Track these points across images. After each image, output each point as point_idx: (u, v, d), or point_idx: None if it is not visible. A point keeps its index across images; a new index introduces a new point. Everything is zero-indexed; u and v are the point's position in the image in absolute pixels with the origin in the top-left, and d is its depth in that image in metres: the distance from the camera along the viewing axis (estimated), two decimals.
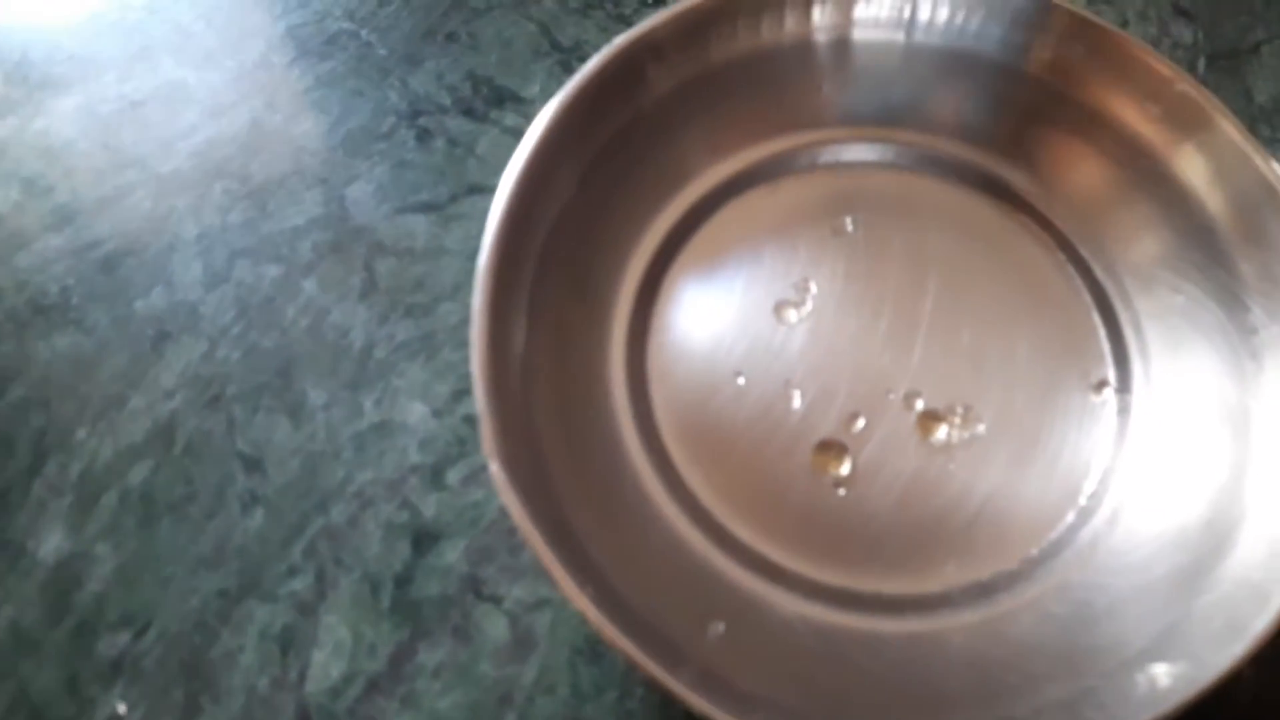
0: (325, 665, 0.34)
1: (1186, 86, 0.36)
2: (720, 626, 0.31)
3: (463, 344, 0.40)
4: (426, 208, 0.44)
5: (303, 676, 0.34)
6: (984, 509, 0.35)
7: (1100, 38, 0.38)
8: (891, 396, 0.37)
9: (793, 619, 0.33)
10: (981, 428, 0.36)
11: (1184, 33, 0.48)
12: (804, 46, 0.41)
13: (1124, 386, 0.37)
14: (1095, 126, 0.39)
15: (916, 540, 0.34)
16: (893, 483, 0.35)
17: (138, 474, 0.38)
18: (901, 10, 0.40)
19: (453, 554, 0.36)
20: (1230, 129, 0.35)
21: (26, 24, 0.50)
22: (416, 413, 0.39)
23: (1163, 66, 0.37)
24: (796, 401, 0.36)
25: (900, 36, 0.41)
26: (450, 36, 0.49)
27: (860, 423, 0.36)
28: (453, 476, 0.38)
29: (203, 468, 0.38)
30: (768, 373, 0.37)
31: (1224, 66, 0.47)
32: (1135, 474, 0.35)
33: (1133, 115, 0.38)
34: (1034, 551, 0.34)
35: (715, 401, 0.37)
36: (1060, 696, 0.29)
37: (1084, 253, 0.39)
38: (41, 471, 0.38)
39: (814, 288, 0.39)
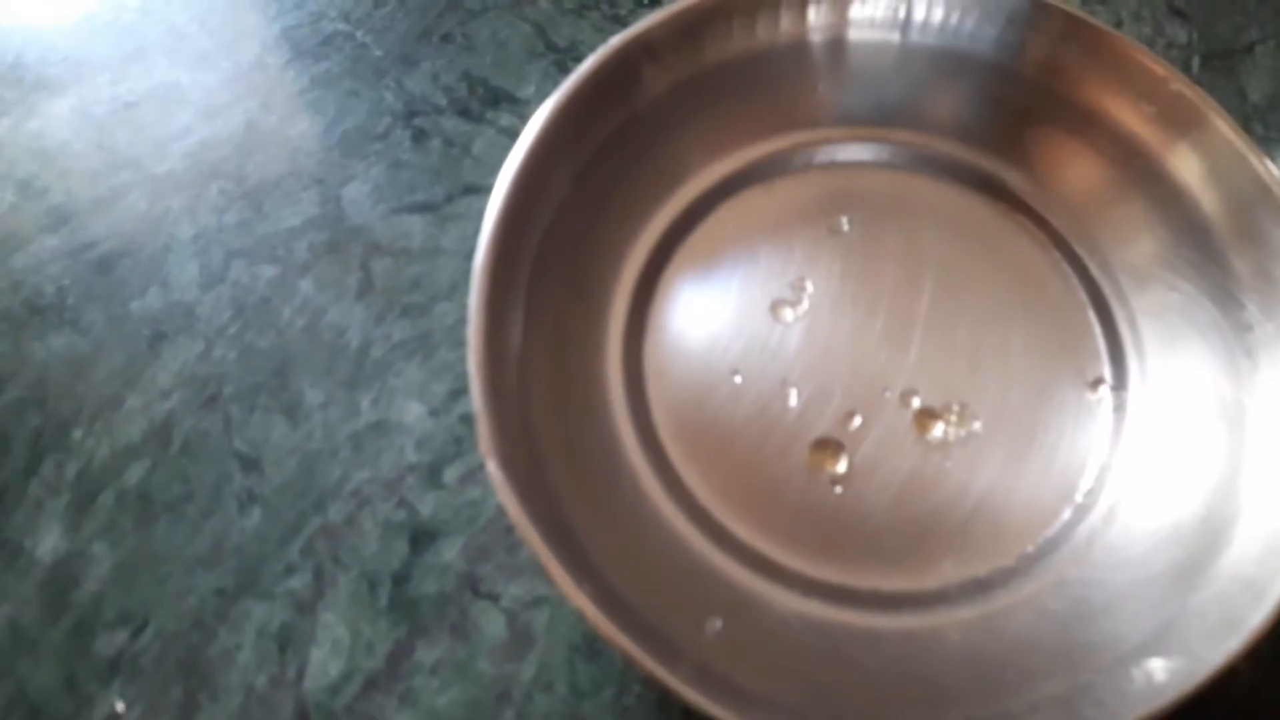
0: (323, 663, 0.34)
1: (1181, 86, 0.37)
2: (718, 623, 0.31)
3: (459, 343, 0.40)
4: (423, 208, 0.44)
5: (301, 674, 0.34)
6: (980, 506, 0.35)
7: (1095, 37, 0.38)
8: (888, 394, 0.37)
9: (790, 616, 0.33)
10: (978, 425, 0.36)
11: (1178, 32, 0.49)
12: (799, 47, 0.41)
13: (1120, 384, 0.37)
14: (1090, 126, 0.39)
15: (913, 537, 0.34)
16: (889, 480, 0.35)
17: (135, 473, 0.38)
18: (897, 10, 0.40)
19: (450, 552, 0.36)
20: (1224, 128, 0.36)
21: (21, 25, 0.50)
22: (413, 412, 0.39)
23: (1157, 66, 0.37)
24: (793, 400, 0.37)
25: (895, 37, 0.41)
26: (445, 37, 0.49)
27: (857, 421, 0.36)
28: (450, 475, 0.38)
29: (200, 467, 0.38)
30: (764, 371, 0.37)
31: (1218, 66, 0.48)
32: (1131, 471, 0.35)
33: (1127, 114, 0.38)
34: (1030, 548, 0.34)
35: (712, 400, 0.37)
36: (1057, 692, 0.29)
37: (1079, 251, 0.39)
38: (38, 471, 0.38)
39: (810, 287, 0.39)
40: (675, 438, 0.36)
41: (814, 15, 0.40)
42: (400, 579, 0.36)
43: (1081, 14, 0.38)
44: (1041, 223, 0.40)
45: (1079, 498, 0.35)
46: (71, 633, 0.35)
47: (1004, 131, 0.41)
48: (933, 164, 0.41)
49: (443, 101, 0.47)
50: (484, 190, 0.34)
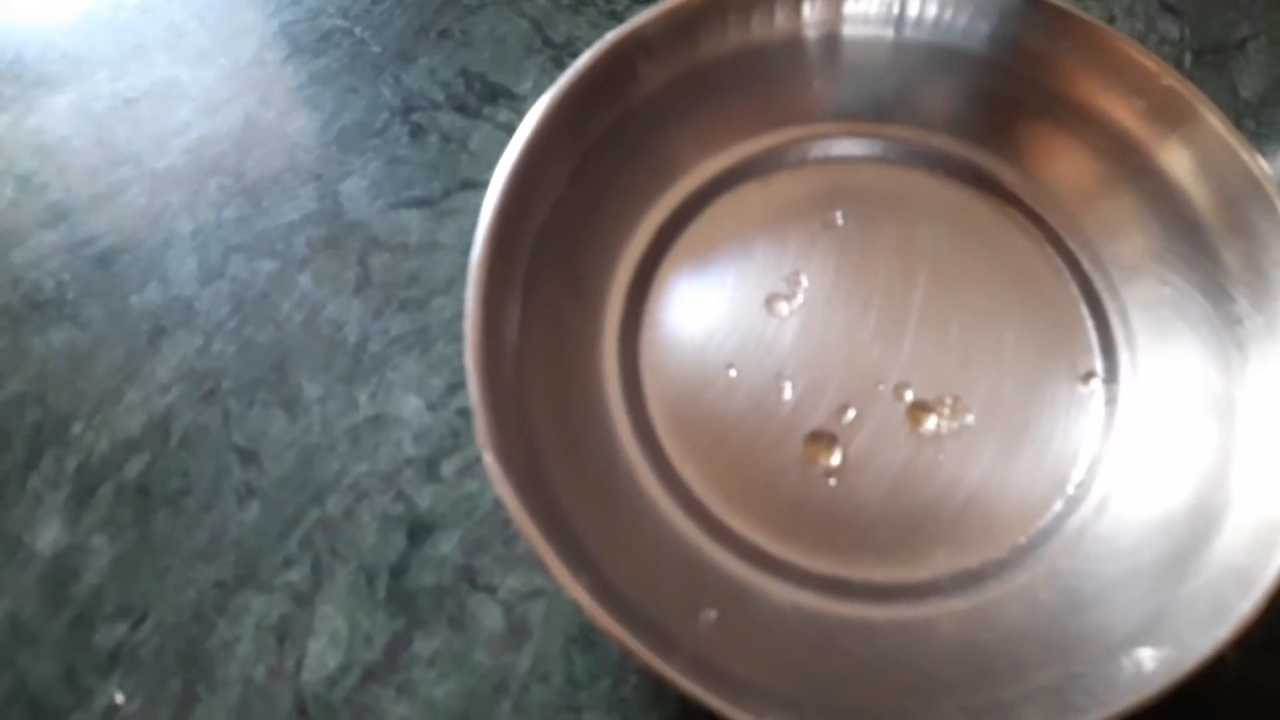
0: (321, 655, 0.35)
1: (1172, 81, 0.37)
2: (713, 614, 0.31)
3: (457, 338, 0.40)
4: (420, 203, 0.44)
5: (299, 666, 0.34)
6: (973, 498, 0.35)
7: (1087, 33, 0.38)
8: (881, 388, 0.37)
9: (784, 607, 0.33)
10: (970, 418, 0.36)
11: (1170, 28, 0.49)
12: (794, 42, 0.41)
13: (1111, 377, 0.37)
14: (1082, 121, 0.39)
15: (906, 529, 0.35)
16: (883, 473, 0.36)
17: (134, 467, 0.38)
18: (891, 6, 0.40)
19: (447, 545, 0.36)
20: (1215, 122, 0.36)
21: (20, 22, 0.50)
22: (411, 406, 0.39)
23: (1149, 61, 0.37)
24: (788, 393, 0.37)
25: (889, 32, 0.41)
26: (443, 33, 0.49)
27: (850, 414, 0.36)
28: (447, 469, 0.38)
29: (199, 461, 0.38)
30: (759, 365, 0.37)
31: (1210, 62, 0.48)
32: (1122, 463, 0.35)
33: (1119, 109, 0.38)
34: (1022, 539, 0.34)
35: (707, 394, 0.37)
36: (1048, 682, 0.30)
37: (1072, 245, 0.40)
38: (38, 465, 0.38)
39: (805, 281, 0.39)
40: (671, 431, 0.36)
41: (808, 11, 0.40)
42: (398, 571, 0.36)
43: (1074, 9, 0.38)
44: (1034, 217, 0.40)
45: (1070, 489, 0.35)
46: (71, 625, 0.35)
47: (997, 126, 0.41)
48: (926, 159, 0.42)
49: (440, 97, 0.47)
50: (481, 185, 0.34)
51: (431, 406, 0.39)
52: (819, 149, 0.42)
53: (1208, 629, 0.29)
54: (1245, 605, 0.29)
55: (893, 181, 0.42)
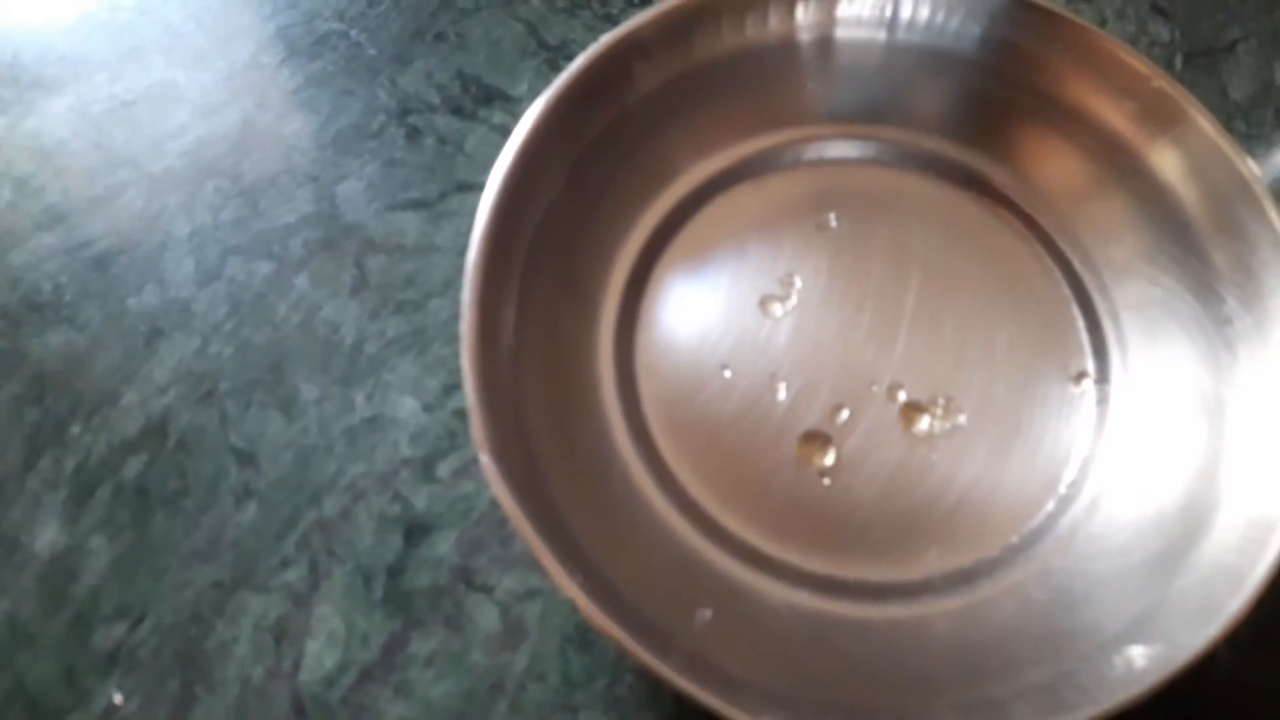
0: (319, 655, 0.35)
1: (1162, 83, 0.37)
2: (708, 614, 0.32)
3: (453, 339, 0.40)
4: (416, 205, 0.44)
5: (297, 666, 0.35)
6: (966, 497, 0.35)
7: (1077, 35, 0.38)
8: (875, 388, 0.37)
9: (779, 606, 0.33)
10: (963, 418, 0.37)
11: (1161, 31, 0.49)
12: (788, 45, 0.41)
13: (1103, 377, 0.38)
14: (1074, 122, 0.40)
15: (900, 528, 0.35)
16: (876, 472, 0.36)
17: (132, 468, 0.38)
18: (883, 9, 0.41)
19: (444, 545, 0.37)
20: (1205, 124, 0.36)
21: (18, 25, 0.50)
22: (407, 407, 0.39)
23: (1139, 63, 0.38)
24: (782, 394, 0.37)
25: (882, 35, 0.41)
26: (439, 36, 0.49)
27: (844, 414, 0.37)
28: (443, 469, 0.38)
29: (196, 462, 0.38)
30: (753, 366, 0.38)
31: (1200, 64, 0.48)
32: (1114, 463, 0.36)
33: (1110, 111, 0.39)
34: (1015, 539, 0.35)
35: (702, 394, 0.37)
36: (1040, 679, 0.30)
37: (1063, 246, 0.40)
38: (36, 466, 0.38)
39: (799, 282, 0.39)
40: (666, 431, 0.36)
41: (802, 14, 0.41)
42: (395, 572, 0.36)
43: (1064, 12, 0.39)
44: (1026, 219, 0.40)
45: (1062, 489, 0.36)
46: (70, 626, 0.35)
47: (989, 128, 0.41)
48: (919, 161, 0.42)
49: (436, 99, 0.47)
50: (477, 187, 0.35)
51: (428, 408, 0.39)
52: (813, 151, 0.42)
53: (1198, 627, 0.29)
54: (1235, 603, 0.29)
55: (886, 183, 0.42)
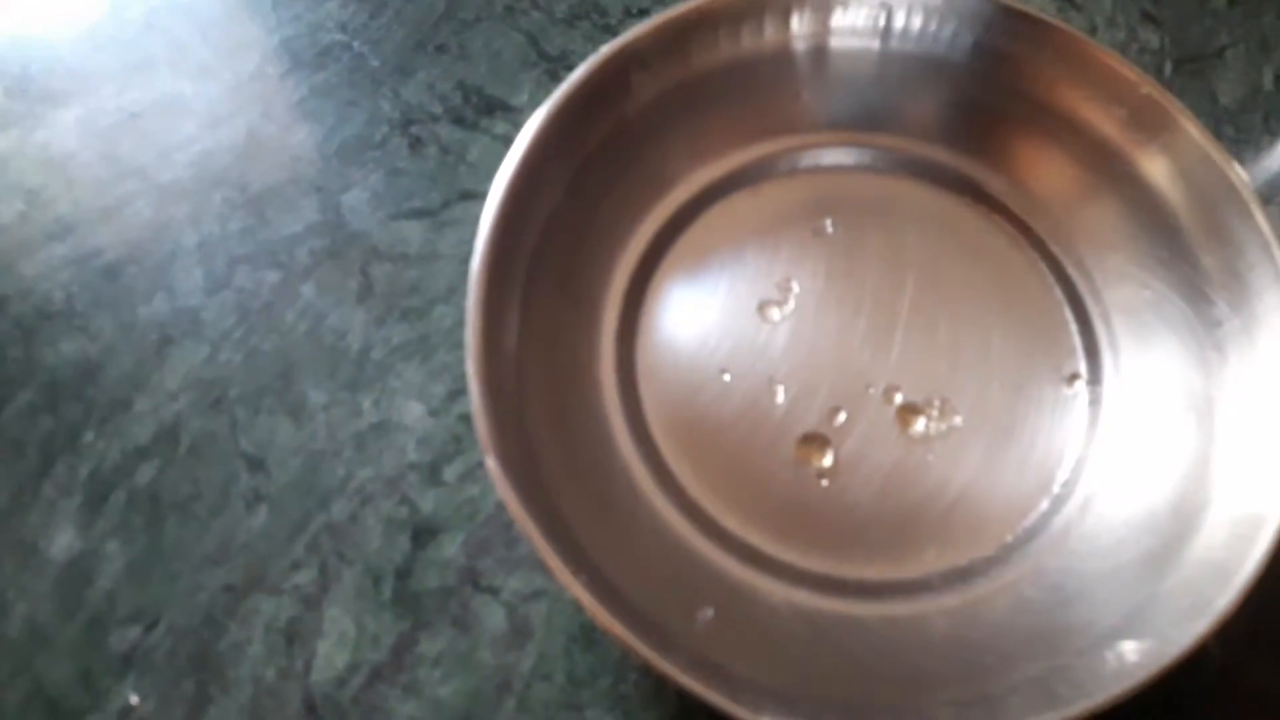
0: (330, 656, 0.35)
1: (1151, 90, 0.38)
2: (709, 612, 0.32)
3: (457, 345, 0.41)
4: (420, 214, 0.45)
5: (308, 667, 0.35)
6: (961, 498, 0.36)
7: (1068, 44, 0.39)
8: (871, 391, 0.38)
9: (779, 605, 0.34)
10: (958, 420, 0.37)
11: (1151, 38, 0.50)
12: (783, 54, 0.42)
13: (1095, 379, 0.38)
14: (1065, 129, 0.40)
15: (897, 528, 0.36)
16: (873, 473, 0.36)
17: (144, 474, 0.39)
18: (877, 18, 0.41)
19: (451, 547, 0.37)
20: (1193, 131, 0.37)
21: (27, 39, 0.50)
22: (414, 412, 0.40)
23: (1128, 71, 0.38)
24: (780, 397, 0.38)
25: (876, 44, 0.42)
26: (440, 47, 0.50)
27: (842, 416, 0.37)
28: (449, 473, 0.39)
29: (207, 468, 0.39)
30: (752, 369, 0.38)
31: (1190, 70, 0.49)
32: (1106, 463, 0.36)
33: (1100, 118, 0.39)
34: (1009, 538, 0.35)
35: (702, 398, 0.38)
36: (1035, 674, 0.31)
37: (1056, 251, 0.40)
38: (51, 473, 0.39)
39: (796, 287, 0.40)
40: (667, 434, 0.37)
41: (797, 24, 0.41)
42: (403, 574, 0.37)
43: (1054, 20, 0.39)
44: (1019, 224, 0.41)
45: (1056, 489, 0.36)
46: (86, 629, 0.36)
47: (982, 135, 0.42)
48: (913, 167, 0.43)
49: (438, 110, 0.48)
50: (479, 196, 0.35)
51: (433, 412, 0.40)
52: (809, 158, 0.43)
53: (1188, 622, 0.29)
54: (1224, 599, 0.29)
55: (880, 189, 0.42)
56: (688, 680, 0.28)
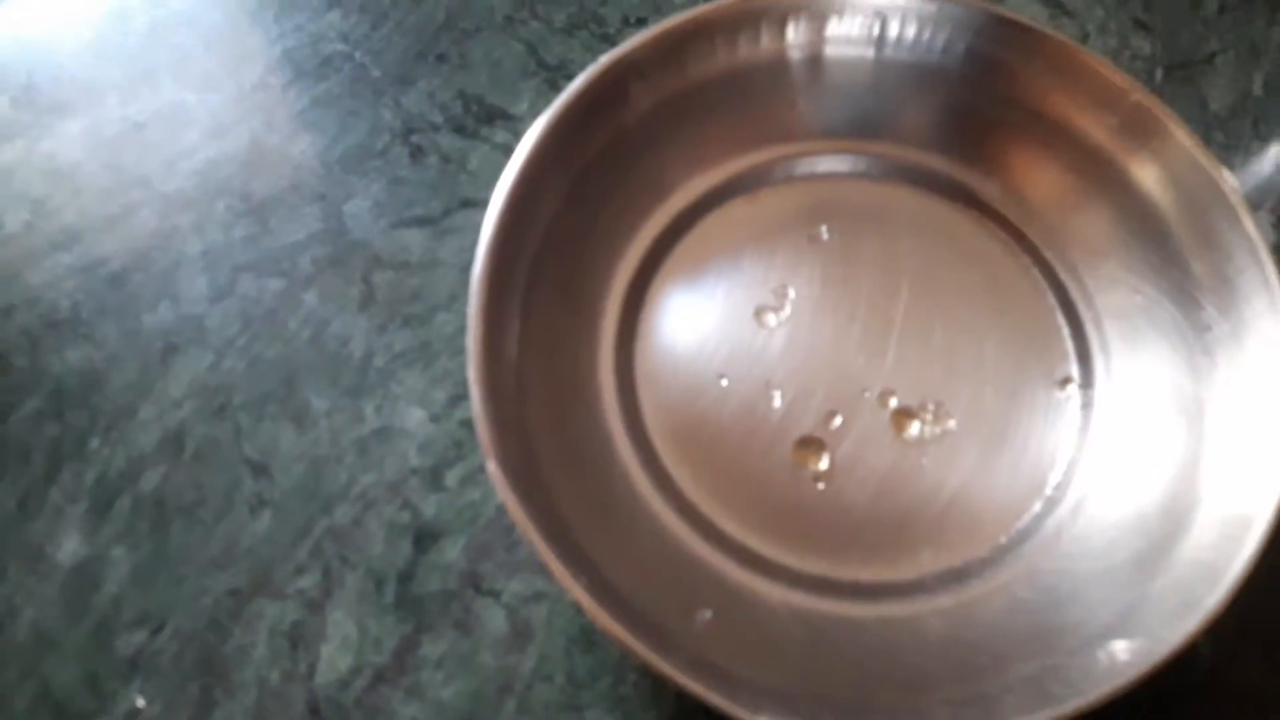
0: (333, 659, 0.36)
1: (1141, 97, 0.38)
2: (708, 614, 0.33)
3: (458, 352, 0.41)
4: (421, 222, 0.45)
5: (312, 670, 0.36)
6: (956, 500, 0.36)
7: (1059, 52, 0.39)
8: (867, 395, 0.38)
9: (776, 606, 0.34)
10: (952, 423, 0.38)
11: (1143, 44, 0.50)
12: (779, 63, 0.42)
13: (1087, 382, 0.39)
14: (1057, 136, 0.40)
15: (892, 530, 0.36)
16: (869, 476, 0.37)
17: (149, 480, 0.39)
18: (871, 27, 0.42)
19: (452, 551, 0.38)
20: (1182, 137, 0.37)
21: (32, 49, 0.51)
22: (415, 418, 0.40)
23: (1118, 78, 0.39)
24: (777, 401, 0.38)
25: (870, 52, 0.42)
26: (441, 57, 0.50)
27: (837, 420, 0.38)
28: (451, 478, 0.39)
29: (211, 473, 0.39)
30: (749, 374, 0.39)
31: (1180, 76, 0.49)
32: (1098, 465, 0.37)
33: (1091, 125, 0.40)
34: (1003, 539, 0.36)
35: (700, 402, 0.38)
36: (1028, 673, 0.31)
37: (1048, 256, 0.41)
38: (57, 479, 0.39)
39: (792, 293, 0.40)
40: (665, 438, 0.37)
41: (792, 33, 0.42)
42: (405, 577, 0.37)
43: (1046, 29, 0.40)
44: (1012, 230, 0.41)
45: (1048, 491, 0.37)
46: (92, 633, 0.36)
47: (975, 142, 0.42)
48: (907, 174, 0.43)
49: (439, 119, 0.48)
50: (480, 204, 0.35)
51: (435, 418, 0.40)
52: (804, 165, 0.43)
53: (1178, 622, 0.30)
54: (1213, 599, 0.30)
55: (875, 196, 0.43)
56: (687, 681, 0.28)
